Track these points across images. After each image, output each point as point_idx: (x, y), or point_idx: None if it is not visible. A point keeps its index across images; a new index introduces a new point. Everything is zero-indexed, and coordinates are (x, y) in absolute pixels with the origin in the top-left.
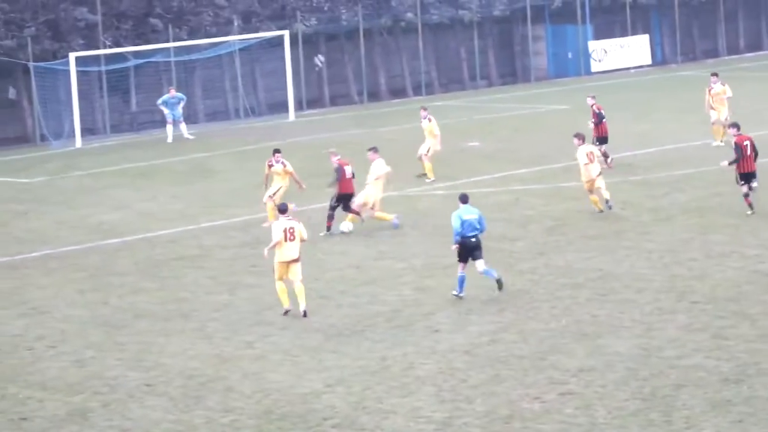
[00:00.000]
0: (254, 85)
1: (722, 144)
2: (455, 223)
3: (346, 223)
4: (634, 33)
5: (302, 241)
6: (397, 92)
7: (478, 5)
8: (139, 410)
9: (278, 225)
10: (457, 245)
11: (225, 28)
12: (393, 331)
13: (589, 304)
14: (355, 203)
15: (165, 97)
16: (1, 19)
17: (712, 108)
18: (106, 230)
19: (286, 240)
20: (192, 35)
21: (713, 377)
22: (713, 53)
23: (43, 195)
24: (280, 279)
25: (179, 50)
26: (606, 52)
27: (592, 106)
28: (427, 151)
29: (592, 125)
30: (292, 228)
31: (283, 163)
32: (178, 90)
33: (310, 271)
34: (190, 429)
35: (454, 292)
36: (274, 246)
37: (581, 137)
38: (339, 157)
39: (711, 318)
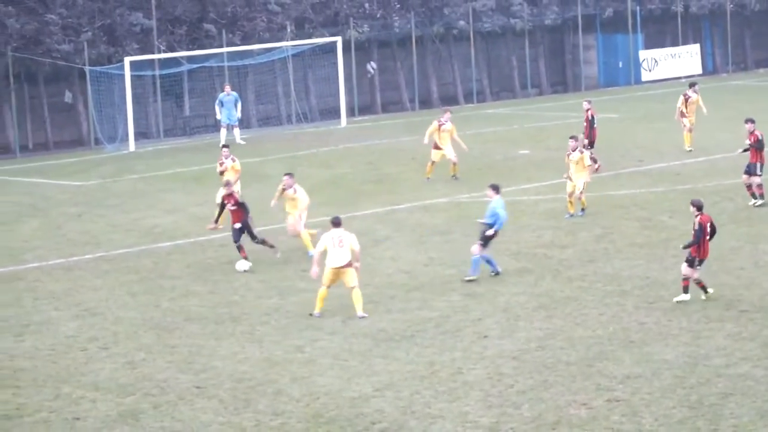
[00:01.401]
0: (306, 91)
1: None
2: (504, 213)
3: (243, 262)
4: (685, 42)
5: (354, 252)
6: (449, 100)
7: (530, 14)
8: (190, 412)
9: (325, 236)
10: (494, 232)
11: (278, 34)
12: (442, 337)
13: (636, 312)
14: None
15: (221, 95)
16: (59, 24)
17: (684, 116)
18: (158, 233)
19: (334, 246)
20: (245, 41)
21: (761, 386)
22: (765, 63)
23: (97, 198)
24: (327, 286)
25: (233, 55)
26: (656, 61)
27: (587, 111)
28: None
29: (583, 128)
30: (341, 237)
31: (233, 159)
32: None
33: (359, 276)
34: (239, 431)
35: (470, 277)
36: (319, 258)
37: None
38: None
39: (759, 327)
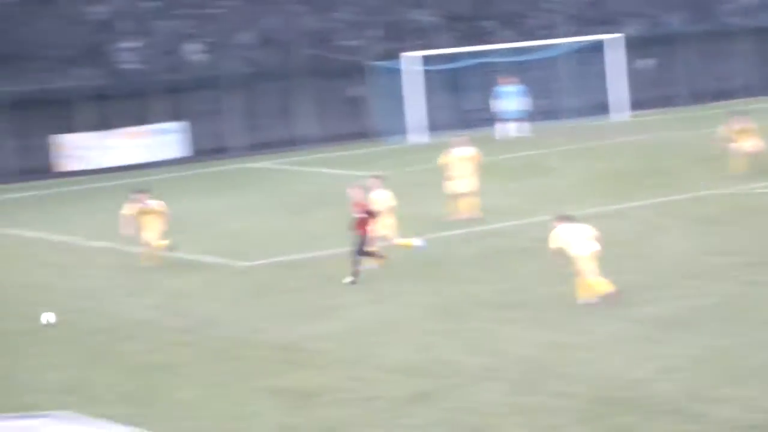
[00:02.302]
0: (582, 87)
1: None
2: None
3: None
4: None
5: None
6: (723, 95)
7: None
8: (479, 393)
9: (560, 231)
10: None
11: (554, 31)
12: (721, 323)
13: None
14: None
15: (498, 88)
16: (347, 21)
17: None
18: (443, 223)
19: (578, 238)
20: (523, 37)
21: None
22: None
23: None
24: (587, 276)
25: (510, 51)
26: None
27: None
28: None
29: None
30: (579, 229)
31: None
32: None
33: (635, 263)
34: (527, 411)
35: None
36: (558, 253)
37: None
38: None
39: None
